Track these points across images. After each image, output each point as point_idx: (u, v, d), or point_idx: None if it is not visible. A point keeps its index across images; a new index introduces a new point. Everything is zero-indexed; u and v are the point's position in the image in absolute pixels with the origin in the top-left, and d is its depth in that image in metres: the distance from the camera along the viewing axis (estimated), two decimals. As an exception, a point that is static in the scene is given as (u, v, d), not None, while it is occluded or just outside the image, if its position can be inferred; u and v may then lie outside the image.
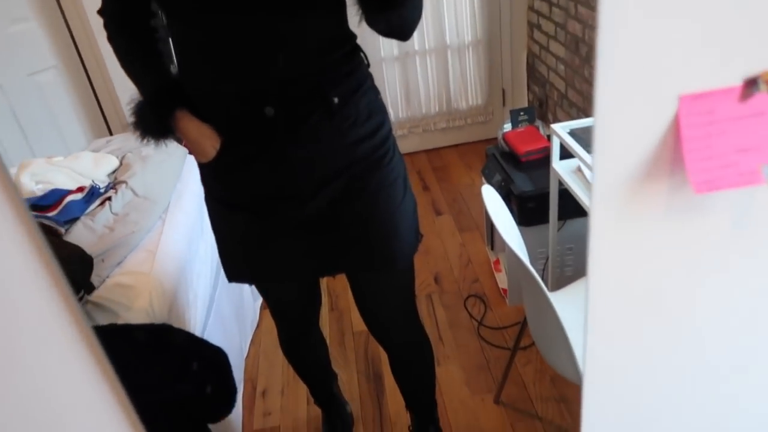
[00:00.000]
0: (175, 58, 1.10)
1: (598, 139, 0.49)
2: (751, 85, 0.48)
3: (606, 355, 0.62)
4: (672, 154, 0.50)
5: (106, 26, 1.11)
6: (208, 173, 1.17)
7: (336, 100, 1.05)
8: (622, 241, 0.55)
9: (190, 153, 1.17)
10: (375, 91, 1.15)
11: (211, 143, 1.09)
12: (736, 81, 0.48)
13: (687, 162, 0.48)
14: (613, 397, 0.67)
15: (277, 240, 1.17)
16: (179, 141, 1.15)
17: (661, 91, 0.48)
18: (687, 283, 0.59)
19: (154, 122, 1.10)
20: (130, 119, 1.12)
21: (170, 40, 1.10)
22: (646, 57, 0.47)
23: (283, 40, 0.99)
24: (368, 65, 1.15)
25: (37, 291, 0.51)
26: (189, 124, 1.08)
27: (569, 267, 2.12)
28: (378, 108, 1.14)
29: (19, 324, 0.52)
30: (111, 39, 1.11)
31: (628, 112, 0.48)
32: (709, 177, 0.48)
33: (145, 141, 1.12)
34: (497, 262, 2.41)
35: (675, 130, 0.49)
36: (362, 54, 1.13)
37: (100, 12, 1.11)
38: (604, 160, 0.49)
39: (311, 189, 1.10)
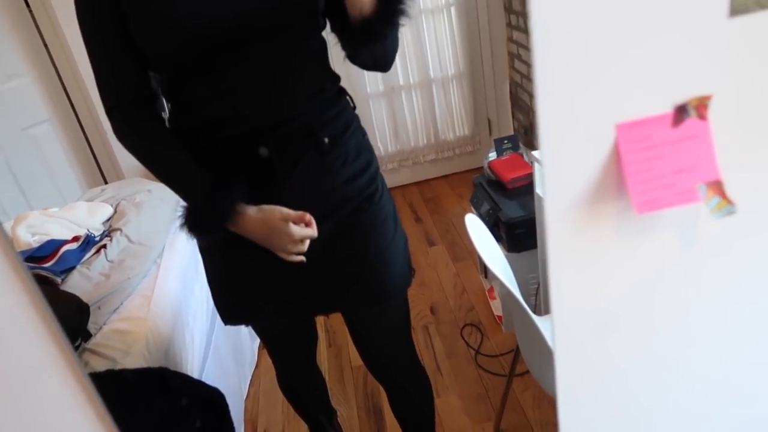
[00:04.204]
0: (167, 110, 1.12)
1: (547, 169, 0.53)
2: (681, 111, 0.52)
3: (575, 372, 0.65)
4: (616, 179, 0.54)
5: (118, 127, 1.06)
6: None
7: (326, 140, 1.09)
8: (578, 264, 0.58)
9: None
10: (362, 132, 1.19)
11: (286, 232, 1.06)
12: (668, 108, 0.53)
13: (629, 185, 0.52)
14: (587, 414, 0.69)
15: (270, 279, 1.18)
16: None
17: (601, 121, 0.52)
18: (642, 298, 0.63)
19: (211, 224, 1.07)
20: (180, 222, 1.08)
21: (162, 95, 1.12)
22: (582, 92, 0.51)
23: (273, 82, 1.03)
24: (354, 107, 1.19)
25: (34, 342, 0.52)
26: (254, 219, 1.06)
27: (562, 290, 2.14)
28: (365, 147, 1.18)
29: (16, 375, 0.54)
30: (126, 138, 1.07)
31: (571, 143, 0.52)
32: (650, 197, 0.52)
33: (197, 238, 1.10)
34: (491, 289, 2.43)
35: (616, 156, 0.53)
36: (348, 96, 1.18)
37: (109, 112, 1.06)
38: (553, 189, 0.53)
39: None
